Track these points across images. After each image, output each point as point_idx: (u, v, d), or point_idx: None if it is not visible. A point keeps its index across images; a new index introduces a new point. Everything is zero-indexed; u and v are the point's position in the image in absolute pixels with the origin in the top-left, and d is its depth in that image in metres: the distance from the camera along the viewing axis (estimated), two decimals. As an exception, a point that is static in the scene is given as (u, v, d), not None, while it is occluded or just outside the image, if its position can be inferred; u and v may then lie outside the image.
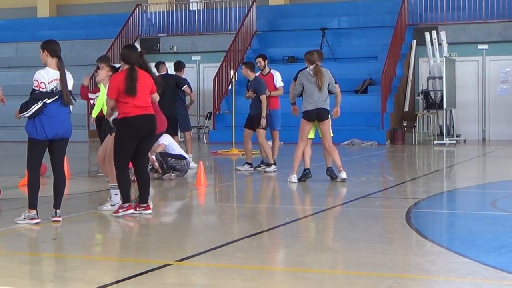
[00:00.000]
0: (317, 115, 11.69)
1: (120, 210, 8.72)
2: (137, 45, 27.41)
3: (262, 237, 7.44)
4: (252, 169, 13.75)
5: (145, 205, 8.81)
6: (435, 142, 22.53)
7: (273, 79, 14.01)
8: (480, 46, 24.70)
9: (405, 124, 23.83)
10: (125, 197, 8.72)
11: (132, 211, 8.71)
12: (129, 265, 6.30)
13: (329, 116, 11.85)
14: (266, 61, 14.24)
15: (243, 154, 15.42)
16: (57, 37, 28.77)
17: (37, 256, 6.74)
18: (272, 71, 14.18)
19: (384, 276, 5.62)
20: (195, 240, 7.59)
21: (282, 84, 14.06)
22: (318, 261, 6.40)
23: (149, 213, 8.77)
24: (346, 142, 22.01)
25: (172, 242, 7.34)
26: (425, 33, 23.83)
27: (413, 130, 23.43)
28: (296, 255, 6.58)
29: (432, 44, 23.65)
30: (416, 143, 22.88)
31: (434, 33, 23.69)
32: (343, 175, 11.80)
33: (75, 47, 28.80)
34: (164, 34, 28.51)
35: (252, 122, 13.62)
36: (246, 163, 13.96)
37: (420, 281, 5.56)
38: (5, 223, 8.17)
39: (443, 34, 23.61)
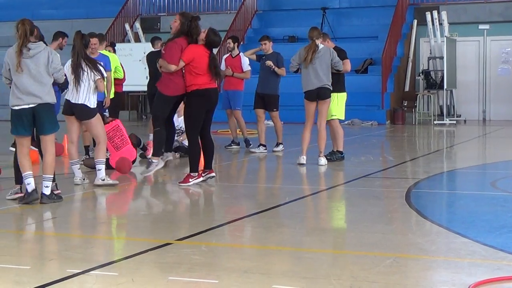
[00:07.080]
0: (317, 95, 11.54)
1: (190, 180, 9.38)
2: (138, 24, 27.35)
3: (262, 216, 7.45)
4: (266, 150, 13.63)
5: (209, 169, 9.66)
6: (435, 122, 22.53)
7: (241, 62, 14.14)
8: (481, 26, 24.64)
9: (405, 104, 23.82)
10: (196, 167, 9.47)
11: (202, 178, 9.49)
12: (129, 244, 6.31)
13: (331, 96, 11.71)
14: (236, 43, 14.41)
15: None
16: (57, 16, 28.96)
17: (37, 234, 6.75)
18: (241, 53, 14.31)
19: (383, 256, 5.63)
20: (195, 219, 7.60)
21: (249, 68, 14.20)
22: (318, 241, 6.41)
23: (213, 175, 9.70)
24: (346, 122, 21.94)
25: (171, 222, 7.36)
26: (426, 12, 23.76)
27: (413, 110, 23.42)
28: (296, 235, 6.59)
29: (433, 24, 23.58)
30: (416, 123, 22.87)
31: (435, 13, 23.63)
32: (321, 161, 11.53)
33: (75, 26, 28.60)
34: (165, 13, 28.41)
35: (264, 103, 13.65)
36: (260, 144, 13.84)
37: (420, 261, 5.56)
38: (5, 202, 8.18)
39: (444, 14, 23.54)
